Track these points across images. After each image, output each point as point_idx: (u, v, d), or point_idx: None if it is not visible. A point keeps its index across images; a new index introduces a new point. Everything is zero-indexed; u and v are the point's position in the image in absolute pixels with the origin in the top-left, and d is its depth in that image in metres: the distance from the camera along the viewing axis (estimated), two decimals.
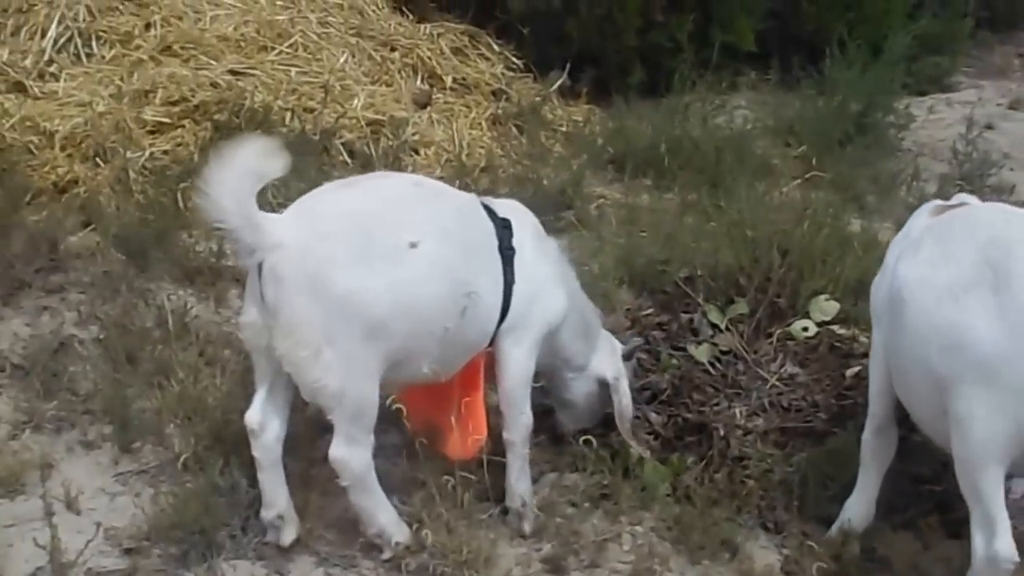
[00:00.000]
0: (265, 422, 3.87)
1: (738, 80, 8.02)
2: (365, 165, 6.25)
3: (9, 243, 5.18)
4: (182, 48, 6.53)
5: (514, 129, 6.98)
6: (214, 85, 6.29)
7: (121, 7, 6.65)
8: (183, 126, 6.13)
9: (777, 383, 4.95)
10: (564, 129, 7.12)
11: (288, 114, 6.30)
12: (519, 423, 4.15)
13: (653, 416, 4.74)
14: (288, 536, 3.99)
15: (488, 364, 4.21)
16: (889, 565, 4.09)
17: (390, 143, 6.47)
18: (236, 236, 3.69)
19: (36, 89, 6.20)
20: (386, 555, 4.00)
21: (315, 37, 6.97)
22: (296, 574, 3.96)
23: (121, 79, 6.26)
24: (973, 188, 6.62)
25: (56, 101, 6.09)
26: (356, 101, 6.59)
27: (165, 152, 5.97)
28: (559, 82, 7.54)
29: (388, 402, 4.00)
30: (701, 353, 4.99)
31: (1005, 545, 3.50)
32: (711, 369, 5.04)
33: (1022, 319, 3.45)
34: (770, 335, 5.20)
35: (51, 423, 4.44)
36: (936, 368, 3.62)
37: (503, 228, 4.12)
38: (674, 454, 4.55)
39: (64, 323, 4.89)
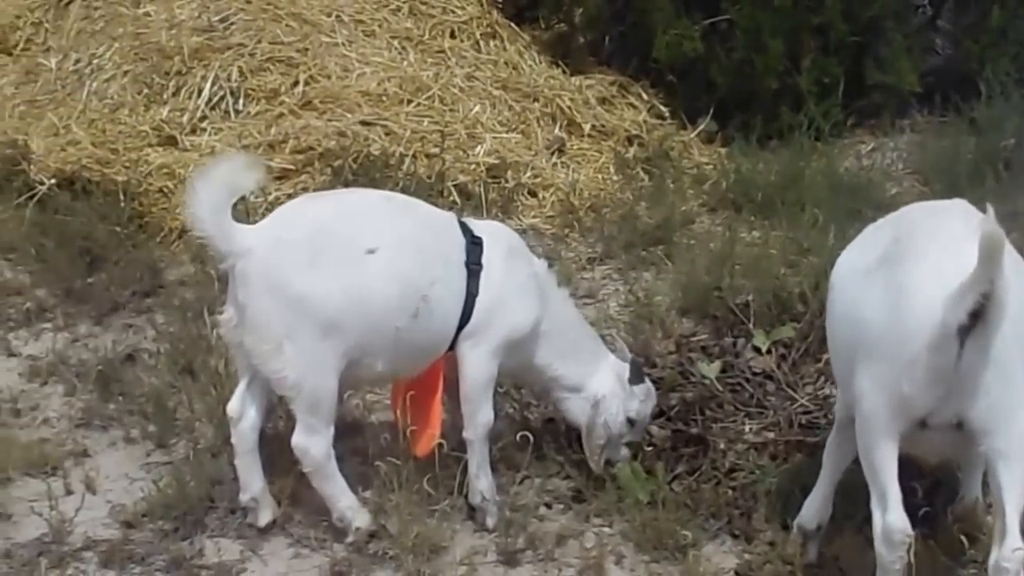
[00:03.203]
0: (243, 411, 4.30)
1: (902, 121, 7.98)
2: (477, 206, 6.64)
3: (119, 271, 5.84)
4: (321, 103, 7.10)
5: (641, 172, 7.18)
6: (341, 135, 6.81)
7: (272, 67, 7.26)
8: (307, 172, 6.67)
9: (807, 403, 5.04)
10: (693, 172, 7.27)
11: (407, 160, 6.72)
12: (476, 422, 4.41)
13: (655, 429, 4.87)
14: (264, 518, 4.39)
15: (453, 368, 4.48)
16: (837, 566, 4.15)
17: (506, 185, 6.81)
18: (211, 244, 4.16)
19: (187, 142, 6.87)
20: (349, 539, 4.33)
21: (456, 90, 7.39)
22: (268, 552, 4.35)
23: (259, 132, 6.86)
24: None
25: (198, 152, 6.74)
26: (480, 147, 6.97)
27: (290, 196, 6.48)
28: (701, 127, 7.70)
29: (346, 398, 4.34)
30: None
31: (896, 518, 3.55)
32: (746, 387, 5.16)
33: (900, 291, 3.52)
34: (819, 359, 5.26)
35: (102, 421, 5.01)
36: (850, 350, 3.72)
37: (473, 244, 4.42)
38: (659, 463, 4.65)
39: (143, 339, 5.46)
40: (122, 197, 6.41)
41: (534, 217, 6.75)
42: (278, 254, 4.13)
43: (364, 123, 7.00)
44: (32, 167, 6.70)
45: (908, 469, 4.02)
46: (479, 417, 4.41)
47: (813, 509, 4.19)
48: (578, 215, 6.72)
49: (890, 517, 3.56)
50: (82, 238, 6.00)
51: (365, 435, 4.72)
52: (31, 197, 6.55)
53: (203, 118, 7.04)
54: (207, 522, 4.44)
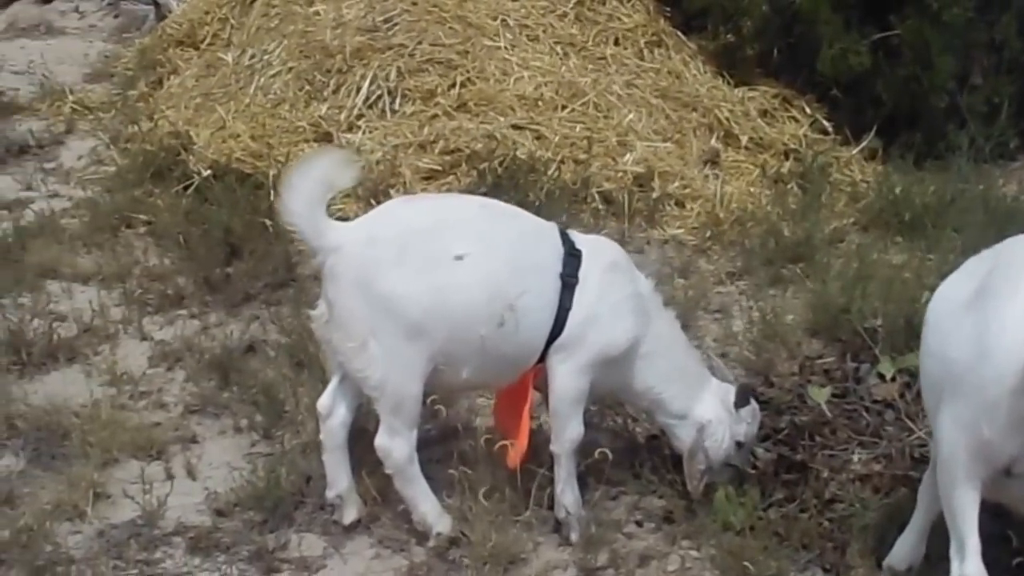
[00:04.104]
0: (333, 408, 4.39)
1: None
2: (618, 213, 6.63)
3: (255, 263, 6.00)
4: (476, 105, 7.15)
5: (796, 188, 7.04)
6: (490, 137, 6.86)
7: (430, 68, 7.34)
8: (453, 174, 6.74)
9: (924, 436, 4.84)
10: (849, 190, 7.08)
11: (553, 165, 6.74)
12: (563, 437, 4.38)
13: (760, 452, 4.77)
14: (348, 516, 4.46)
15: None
16: None
17: (652, 194, 6.76)
18: (304, 238, 4.27)
19: (342, 140, 7.01)
20: (430, 543, 4.36)
21: (613, 97, 7.36)
22: (350, 551, 4.40)
23: (412, 132, 6.96)
24: None
25: (351, 149, 6.87)
26: (629, 155, 6.93)
27: None
28: (863, 144, 7.50)
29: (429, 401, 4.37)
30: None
31: (973, 569, 3.42)
32: (864, 415, 5.02)
33: (985, 328, 3.37)
34: None
35: (216, 408, 5.15)
36: (939, 386, 3.59)
37: (571, 257, 4.38)
38: (755, 488, 4.55)
39: (267, 331, 5.60)
40: (271, 191, 6.55)
41: (678, 228, 6.67)
42: (367, 253, 4.19)
43: (515, 127, 7.03)
44: (192, 157, 6.92)
45: (1006, 516, 3.89)
46: (567, 432, 4.38)
47: (905, 549, 4.07)
48: (722, 228, 6.62)
49: (967, 568, 3.43)
50: (225, 229, 6.15)
51: (462, 440, 4.69)
52: (187, 187, 6.76)
53: (359, 116, 7.17)
54: (296, 516, 4.52)
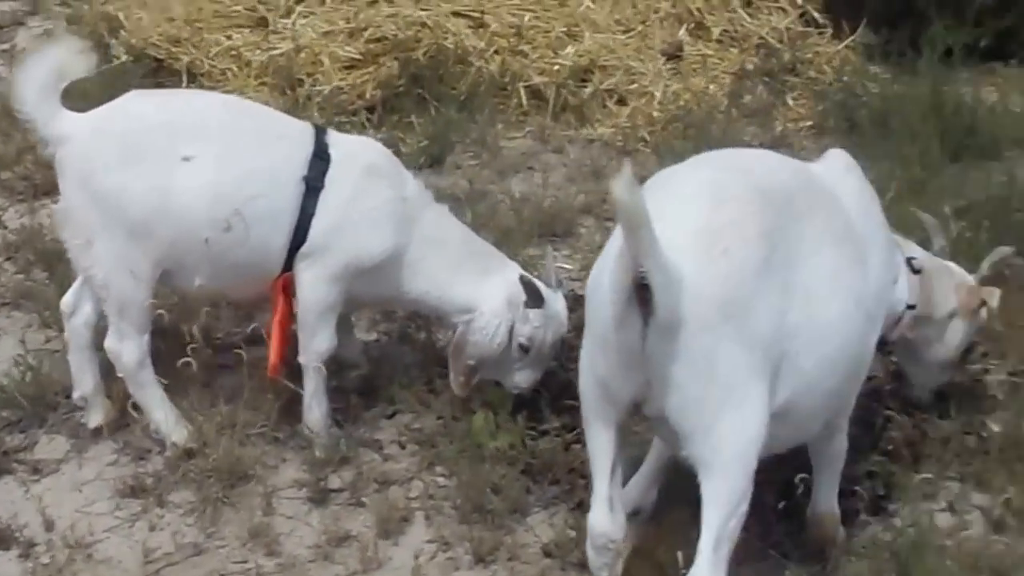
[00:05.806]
0: (77, 307, 4.18)
1: None
2: (545, 109, 6.20)
3: None
4: None
5: (760, 86, 6.45)
6: (423, 25, 6.44)
7: None
8: (376, 64, 6.36)
9: None
10: (818, 88, 6.45)
11: (485, 56, 6.32)
12: (310, 348, 4.11)
13: None
14: (94, 419, 4.25)
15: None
16: None
17: (587, 90, 6.29)
18: (35, 127, 4.03)
19: (278, 25, 6.68)
20: (167, 452, 4.12)
21: None
22: (91, 456, 4.17)
23: (346, 18, 6.59)
24: None
25: (277, 36, 6.55)
26: (570, 47, 6.45)
27: (353, 87, 6.23)
28: (849, 40, 6.82)
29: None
30: None
31: (595, 518, 3.15)
32: None
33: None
34: None
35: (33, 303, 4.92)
36: None
37: (318, 160, 4.05)
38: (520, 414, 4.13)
39: None
40: (184, 77, 6.31)
41: (611, 127, 6.18)
42: (91, 146, 3.97)
43: (456, 14, 6.61)
44: (115, 41, 6.68)
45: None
46: (314, 344, 4.10)
47: (636, 491, 3.69)
48: (654, 129, 6.09)
49: (591, 517, 3.15)
50: None
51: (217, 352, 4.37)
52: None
53: (299, 1, 6.83)
54: (50, 417, 4.31)
